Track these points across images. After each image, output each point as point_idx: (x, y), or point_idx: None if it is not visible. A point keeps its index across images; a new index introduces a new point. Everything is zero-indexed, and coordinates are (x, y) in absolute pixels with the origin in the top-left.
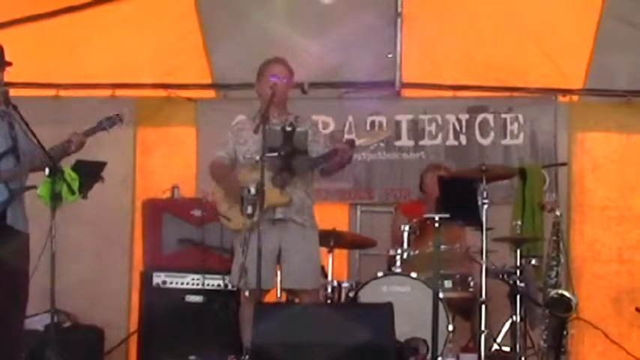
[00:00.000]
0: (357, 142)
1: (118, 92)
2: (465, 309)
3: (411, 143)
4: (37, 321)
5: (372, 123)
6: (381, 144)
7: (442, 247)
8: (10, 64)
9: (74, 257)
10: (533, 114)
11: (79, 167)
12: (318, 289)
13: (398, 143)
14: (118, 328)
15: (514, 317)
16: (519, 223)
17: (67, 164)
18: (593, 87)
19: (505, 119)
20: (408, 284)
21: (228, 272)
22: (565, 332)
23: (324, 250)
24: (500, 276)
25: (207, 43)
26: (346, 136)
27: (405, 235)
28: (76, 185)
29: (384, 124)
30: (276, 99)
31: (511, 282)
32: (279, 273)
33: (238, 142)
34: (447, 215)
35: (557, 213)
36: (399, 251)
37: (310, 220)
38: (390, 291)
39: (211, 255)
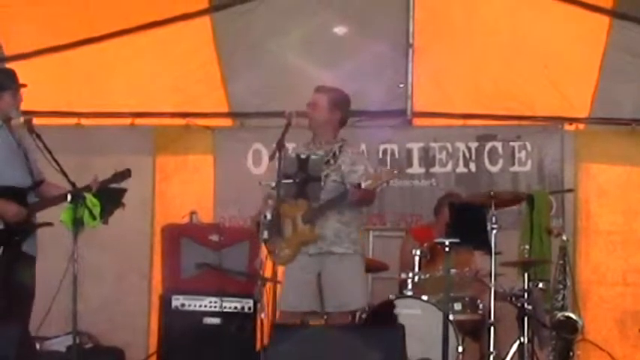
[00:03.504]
0: (363, 185)
1: (138, 121)
2: (474, 330)
3: (422, 170)
4: (59, 342)
5: (384, 151)
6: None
7: (452, 270)
8: (24, 85)
9: (95, 280)
10: (541, 142)
11: (100, 193)
12: (349, 311)
13: (409, 170)
14: (138, 350)
15: (522, 339)
16: (527, 247)
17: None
18: (598, 115)
19: (513, 147)
20: (419, 307)
21: (245, 295)
22: (571, 353)
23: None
24: (509, 299)
25: (224, 73)
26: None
27: (416, 259)
28: (97, 211)
29: (396, 153)
30: (313, 127)
31: (519, 304)
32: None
33: None
34: (457, 240)
35: (564, 238)
36: (411, 275)
37: (352, 246)
38: (402, 313)
39: (228, 278)
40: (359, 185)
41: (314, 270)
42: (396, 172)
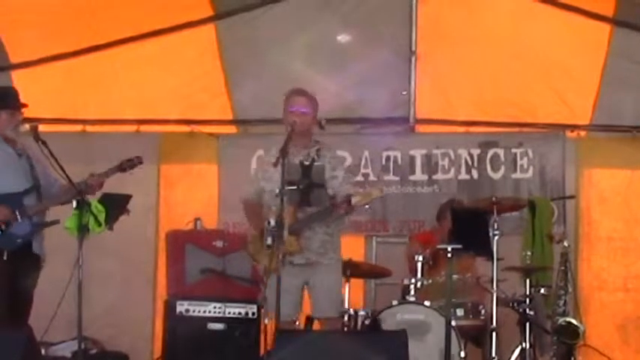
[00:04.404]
0: (353, 201)
1: (143, 128)
2: (476, 336)
3: (425, 177)
4: (64, 348)
5: (387, 157)
6: (397, 177)
7: (454, 276)
8: (25, 105)
9: (100, 286)
10: (542, 149)
11: (106, 200)
12: (342, 317)
13: (412, 177)
14: (143, 355)
15: (524, 344)
16: (529, 253)
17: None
18: (599, 123)
19: (515, 154)
20: (421, 312)
21: (248, 301)
22: (573, 359)
23: (342, 279)
24: (511, 304)
25: (228, 81)
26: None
27: (419, 264)
28: (102, 217)
29: (399, 159)
30: (294, 134)
31: (521, 310)
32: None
33: (264, 178)
34: (460, 246)
35: (565, 244)
36: (413, 280)
37: (335, 256)
38: (405, 318)
39: (232, 284)
40: (349, 201)
41: (300, 279)
42: (384, 189)
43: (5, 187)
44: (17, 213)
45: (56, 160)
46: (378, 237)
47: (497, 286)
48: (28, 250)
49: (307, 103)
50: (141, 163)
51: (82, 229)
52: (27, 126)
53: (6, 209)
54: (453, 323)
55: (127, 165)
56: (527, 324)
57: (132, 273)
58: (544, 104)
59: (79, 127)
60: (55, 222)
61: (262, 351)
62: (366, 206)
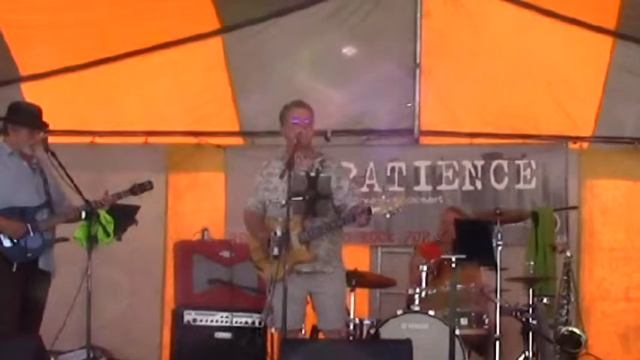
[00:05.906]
0: (373, 210)
1: (151, 139)
2: (480, 345)
3: (429, 188)
4: (73, 356)
5: (392, 169)
6: (402, 188)
7: (458, 286)
8: (46, 125)
9: (109, 296)
10: (545, 160)
11: (114, 210)
12: (344, 327)
13: (417, 188)
14: None
15: (527, 353)
16: (532, 263)
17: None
18: (602, 134)
19: (518, 165)
20: (425, 321)
21: (255, 310)
22: None
23: (346, 289)
24: (514, 314)
25: (235, 93)
26: (365, 200)
27: (423, 274)
28: (111, 228)
29: (404, 171)
30: (299, 145)
31: (524, 319)
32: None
33: (267, 189)
34: (464, 256)
35: (568, 254)
36: (418, 290)
37: (339, 264)
38: (409, 328)
39: (239, 294)
40: (369, 210)
41: (304, 288)
42: (408, 199)
43: (19, 201)
44: (30, 227)
45: (65, 170)
46: (383, 247)
47: (500, 295)
48: (35, 265)
49: (309, 114)
50: (152, 187)
51: (91, 240)
52: None
53: (21, 226)
54: (457, 332)
55: (139, 189)
56: (530, 333)
57: (140, 283)
58: (547, 116)
59: (88, 139)
60: (65, 239)
61: None
62: (387, 215)
